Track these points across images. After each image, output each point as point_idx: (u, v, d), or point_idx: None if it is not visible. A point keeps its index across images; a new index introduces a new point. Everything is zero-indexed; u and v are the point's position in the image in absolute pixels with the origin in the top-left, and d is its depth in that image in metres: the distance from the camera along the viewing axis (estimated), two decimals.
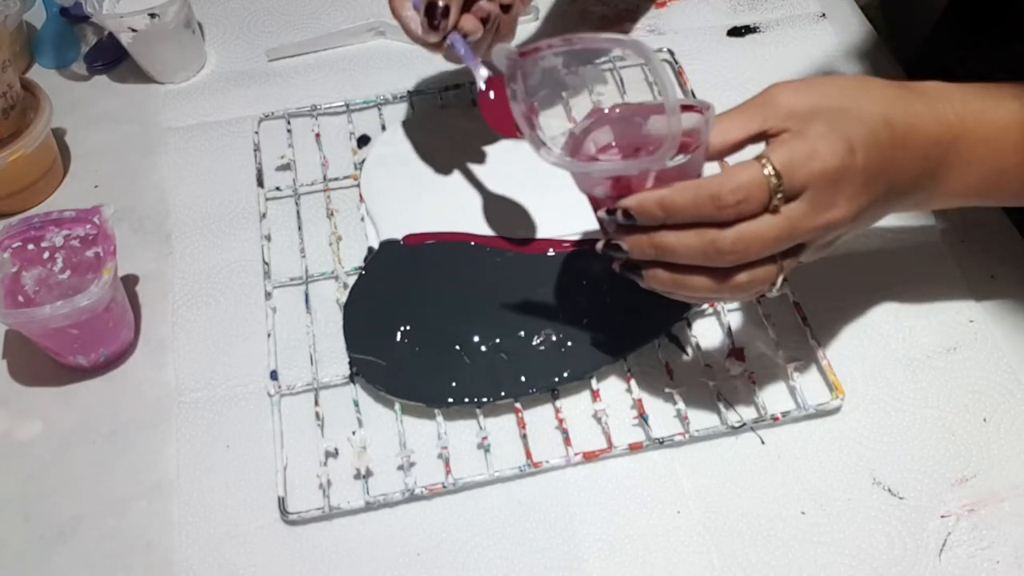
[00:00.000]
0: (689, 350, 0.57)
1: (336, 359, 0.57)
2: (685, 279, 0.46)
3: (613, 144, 0.49)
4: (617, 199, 0.46)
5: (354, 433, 0.54)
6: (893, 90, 0.46)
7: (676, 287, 0.47)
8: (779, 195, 0.43)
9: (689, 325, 0.58)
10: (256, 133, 0.70)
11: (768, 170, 0.43)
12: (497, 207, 0.62)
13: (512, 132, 0.53)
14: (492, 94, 0.56)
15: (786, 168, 0.43)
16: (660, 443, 0.53)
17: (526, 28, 0.78)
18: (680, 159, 0.44)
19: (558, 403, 0.55)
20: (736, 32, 0.76)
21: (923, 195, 0.48)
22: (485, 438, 0.53)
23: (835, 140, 0.43)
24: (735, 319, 0.58)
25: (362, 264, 0.61)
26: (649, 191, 0.45)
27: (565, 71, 0.47)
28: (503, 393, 0.54)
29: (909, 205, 0.49)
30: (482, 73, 0.56)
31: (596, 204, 0.49)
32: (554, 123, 0.49)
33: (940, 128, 0.46)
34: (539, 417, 0.55)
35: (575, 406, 0.55)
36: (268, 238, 0.64)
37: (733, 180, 0.43)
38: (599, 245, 0.48)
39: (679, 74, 0.72)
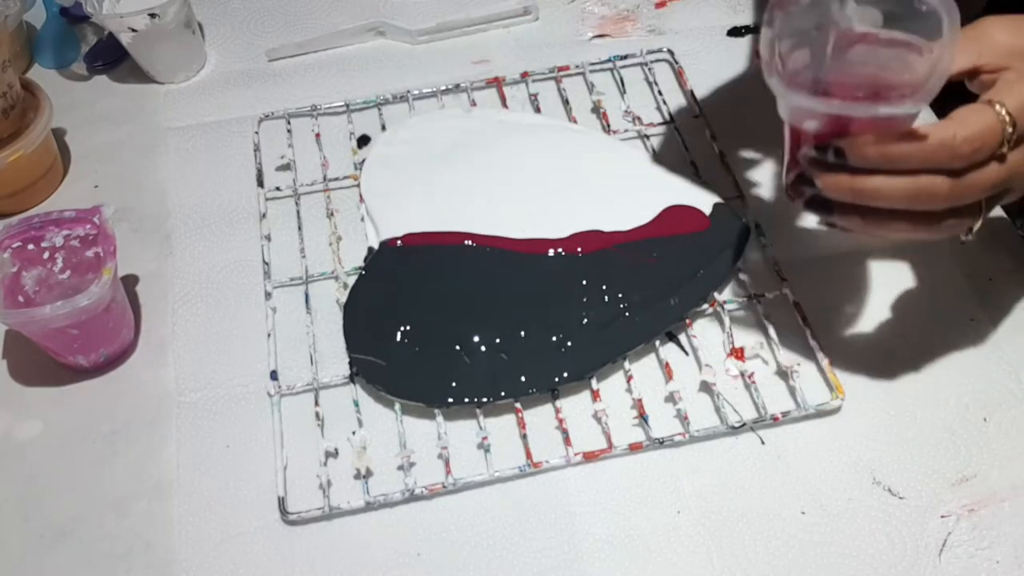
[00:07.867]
0: (689, 350, 0.57)
1: (336, 359, 0.57)
2: (883, 223, 0.44)
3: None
4: (830, 136, 0.43)
5: (354, 433, 0.54)
6: None
7: (869, 229, 0.44)
8: (1009, 142, 0.41)
9: (689, 325, 0.58)
10: (256, 133, 0.70)
11: (1003, 116, 0.40)
12: (497, 207, 0.62)
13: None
14: None
15: (1020, 113, 0.40)
16: (660, 443, 0.53)
17: (527, 28, 0.78)
18: (911, 108, 0.41)
19: (558, 403, 0.55)
20: (736, 32, 0.76)
21: None
22: (485, 438, 0.53)
23: None
24: (735, 319, 0.58)
25: (362, 264, 0.61)
26: (871, 136, 0.42)
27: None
28: (503, 393, 0.54)
29: None
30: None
31: (796, 136, 0.45)
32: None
33: None
34: (539, 417, 0.55)
35: (575, 406, 0.55)
36: (268, 238, 0.64)
37: (967, 128, 0.40)
38: (788, 177, 0.45)
39: (679, 74, 0.72)
